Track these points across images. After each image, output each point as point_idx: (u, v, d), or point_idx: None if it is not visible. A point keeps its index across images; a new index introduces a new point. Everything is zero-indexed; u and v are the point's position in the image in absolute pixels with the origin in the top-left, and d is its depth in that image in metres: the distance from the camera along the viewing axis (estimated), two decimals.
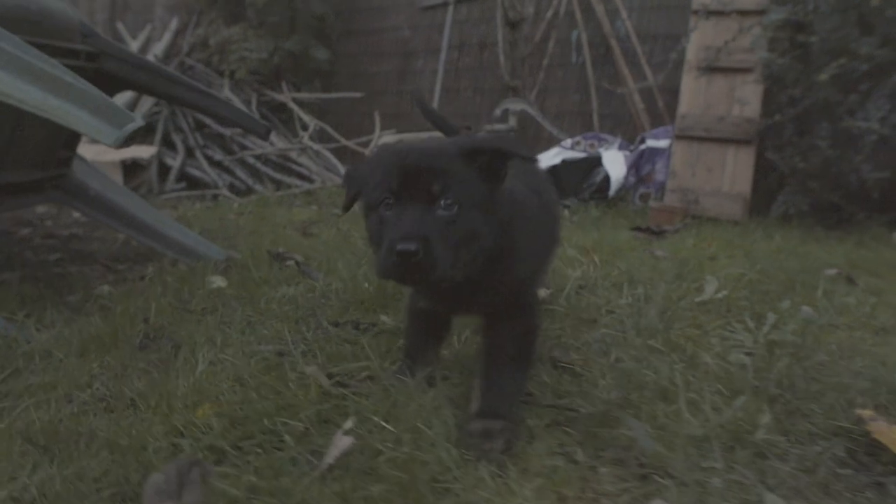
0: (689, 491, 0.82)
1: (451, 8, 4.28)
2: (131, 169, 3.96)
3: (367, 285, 1.83)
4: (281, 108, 4.42)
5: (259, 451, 0.97)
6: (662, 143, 3.36)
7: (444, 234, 1.04)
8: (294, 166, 4.11)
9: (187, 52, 4.51)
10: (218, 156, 4.24)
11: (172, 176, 4.12)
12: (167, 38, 4.69)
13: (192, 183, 4.18)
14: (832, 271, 1.97)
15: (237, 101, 4.30)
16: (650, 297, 1.62)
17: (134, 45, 4.75)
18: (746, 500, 0.81)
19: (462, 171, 1.09)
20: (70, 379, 1.23)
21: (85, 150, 3.90)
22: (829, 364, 1.21)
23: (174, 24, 4.74)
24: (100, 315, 1.59)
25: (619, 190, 3.39)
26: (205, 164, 4.18)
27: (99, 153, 3.92)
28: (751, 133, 3.01)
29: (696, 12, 3.25)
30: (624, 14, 3.92)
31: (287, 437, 1.00)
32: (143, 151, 4.01)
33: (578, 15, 4.02)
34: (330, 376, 1.26)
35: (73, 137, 2.19)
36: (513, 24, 3.92)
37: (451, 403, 1.12)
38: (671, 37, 3.63)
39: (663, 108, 3.80)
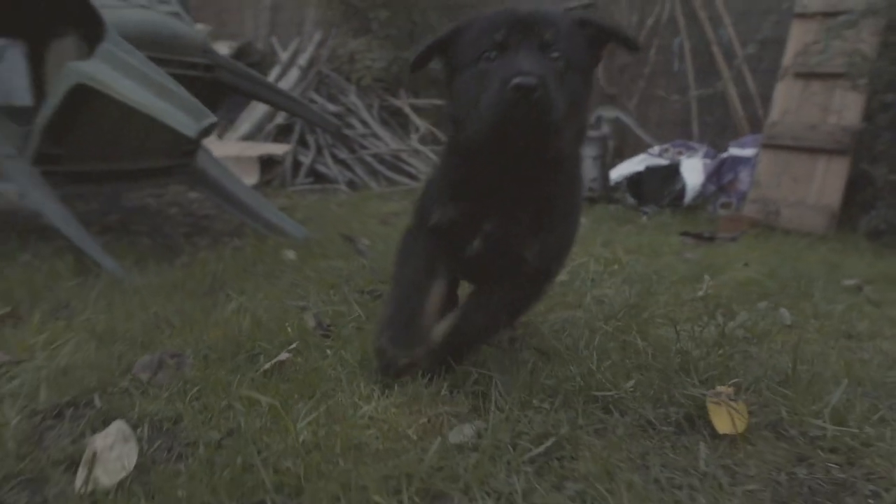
0: (508, 421, 1.00)
1: None
2: (267, 164, 4.68)
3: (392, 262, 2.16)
4: (399, 112, 4.91)
5: (234, 361, 1.32)
6: (747, 152, 3.24)
7: (555, 83, 1.01)
8: (405, 166, 4.57)
9: (325, 62, 5.19)
10: (342, 154, 4.84)
11: (303, 171, 4.78)
12: (311, 49, 5.42)
13: (319, 178, 4.81)
14: (851, 282, 1.89)
15: (362, 107, 4.87)
16: (641, 291, 1.73)
17: (284, 56, 5.55)
18: (547, 432, 0.96)
19: (572, 30, 1.10)
20: (143, 307, 1.70)
21: (231, 147, 4.71)
22: (749, 355, 1.27)
23: (317, 37, 5.46)
24: (185, 271, 2.09)
25: (696, 198, 3.33)
26: (330, 161, 4.79)
27: (242, 150, 4.70)
28: (845, 143, 2.83)
29: (799, 15, 3.11)
30: (727, 20, 3.81)
31: (261, 357, 1.35)
32: (277, 149, 4.72)
33: (681, 22, 3.98)
34: (322, 325, 1.59)
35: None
36: None
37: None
38: (776, 42, 3.48)
39: (763, 115, 3.65)
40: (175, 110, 1.90)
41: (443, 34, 1.16)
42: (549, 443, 0.89)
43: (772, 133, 3.10)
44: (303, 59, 5.33)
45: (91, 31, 2.26)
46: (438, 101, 4.97)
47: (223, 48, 6.17)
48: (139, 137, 2.43)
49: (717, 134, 3.84)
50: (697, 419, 1.01)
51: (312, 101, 5.10)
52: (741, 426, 0.94)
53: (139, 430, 0.96)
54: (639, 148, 3.99)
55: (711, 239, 2.56)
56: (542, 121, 1.00)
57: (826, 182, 2.94)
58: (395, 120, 4.94)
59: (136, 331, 1.44)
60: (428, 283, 1.21)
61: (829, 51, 2.88)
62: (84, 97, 2.03)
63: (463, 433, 0.94)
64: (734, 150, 3.35)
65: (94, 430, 0.94)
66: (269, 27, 6.16)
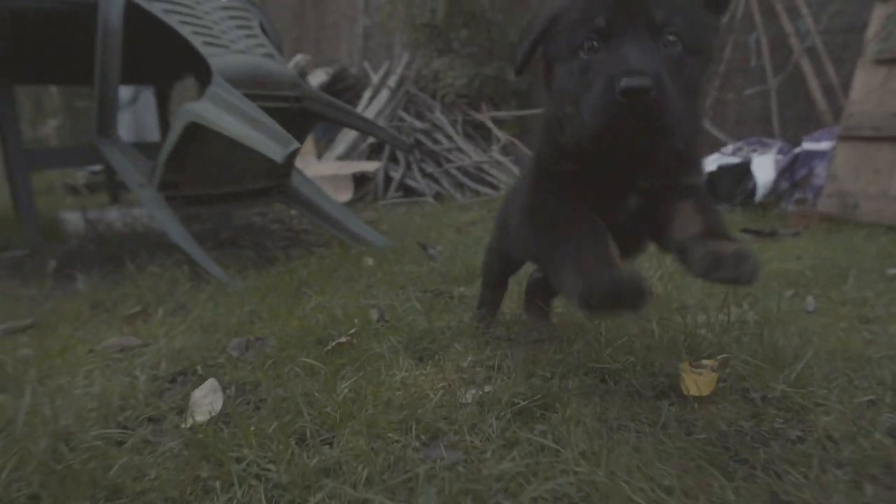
0: (510, 385, 1.22)
1: None
2: (360, 180, 5.13)
3: (458, 265, 2.42)
4: (482, 126, 5.19)
5: (306, 344, 1.63)
6: (823, 146, 3.17)
7: (672, 76, 0.88)
8: (487, 177, 4.83)
9: (411, 82, 5.59)
10: (430, 168, 5.19)
11: (393, 186, 5.18)
12: (399, 71, 5.85)
13: (408, 191, 5.18)
14: (894, 271, 1.89)
15: (447, 123, 5.21)
16: (679, 283, 1.86)
17: (375, 79, 6.02)
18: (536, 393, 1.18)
19: (683, 4, 0.95)
20: (241, 305, 2.07)
21: (328, 166, 5.19)
22: (756, 337, 1.39)
23: (405, 59, 5.88)
24: (278, 277, 2.47)
25: (768, 195, 3.29)
26: (418, 175, 5.16)
27: (338, 168, 5.18)
28: None
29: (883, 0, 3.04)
30: (804, 10, 3.72)
31: (329, 341, 1.65)
32: (369, 166, 5.15)
33: (757, 17, 3.94)
34: (384, 317, 1.88)
35: (292, 157, 3.20)
36: None
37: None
38: (860, 30, 3.38)
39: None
40: (266, 139, 2.29)
41: (540, 24, 1.03)
42: (535, 400, 1.11)
43: (849, 124, 3.02)
44: (392, 81, 5.76)
45: (203, 73, 2.73)
46: (519, 113, 5.20)
47: (321, 75, 6.78)
48: (242, 164, 2.87)
49: (799, 128, 3.76)
50: (680, 387, 1.18)
51: (402, 119, 5.51)
52: (706, 390, 1.10)
53: (227, 391, 1.29)
54: (715, 147, 3.98)
55: (772, 234, 2.57)
56: (656, 127, 0.87)
57: None
58: (479, 133, 5.22)
59: (232, 323, 1.80)
60: (599, 228, 1.01)
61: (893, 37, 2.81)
62: (196, 132, 2.47)
63: (470, 393, 1.18)
64: (808, 145, 3.29)
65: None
66: (361, 52, 6.69)
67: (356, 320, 1.77)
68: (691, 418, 1.05)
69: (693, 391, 1.10)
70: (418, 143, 5.29)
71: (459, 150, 5.01)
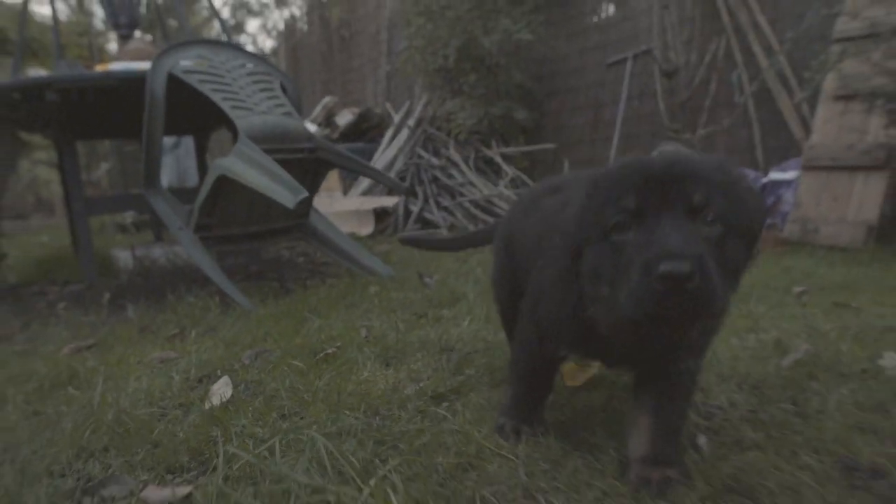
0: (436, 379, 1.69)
1: (629, 62, 5.01)
2: (381, 214, 5.68)
3: (446, 291, 2.91)
4: (493, 161, 5.71)
5: (303, 355, 2.13)
6: (789, 175, 3.53)
7: (714, 259, 0.86)
8: (495, 209, 5.33)
9: (429, 122, 6.16)
10: (445, 202, 5.72)
11: (412, 219, 5.72)
12: (418, 111, 6.43)
13: (426, 223, 5.71)
14: (800, 289, 2.28)
15: (460, 159, 5.74)
16: None
17: (396, 119, 6.62)
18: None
19: (729, 181, 0.93)
20: (260, 328, 2.59)
21: (352, 202, 5.76)
22: None
23: (424, 100, 6.47)
24: (292, 304, 2.99)
25: None
26: (434, 208, 5.68)
27: (361, 204, 5.75)
28: (882, 159, 3.09)
29: (837, 40, 3.42)
30: (777, 47, 4.13)
31: (320, 354, 2.14)
32: (389, 201, 5.71)
33: (738, 56, 4.35)
34: (369, 335, 2.36)
35: (309, 200, 3.76)
36: (668, 74, 4.50)
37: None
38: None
39: None
40: (281, 189, 2.83)
41: (575, 213, 1.01)
42: (450, 389, 1.58)
43: (810, 155, 3.39)
44: (411, 121, 6.34)
45: (233, 128, 3.32)
46: (526, 148, 5.70)
47: (347, 115, 7.44)
48: (265, 207, 3.43)
49: (782, 158, 4.12)
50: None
51: (420, 156, 6.07)
52: (579, 381, 1.55)
53: (238, 386, 1.80)
54: None
55: None
56: (699, 314, 0.85)
57: (864, 198, 3.18)
58: (490, 168, 5.74)
59: (249, 340, 2.33)
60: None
61: (842, 71, 3.17)
62: (225, 183, 3.04)
63: (411, 387, 1.66)
64: (774, 175, 3.65)
65: None
66: (385, 94, 7.33)
67: (346, 337, 2.27)
68: (562, 399, 1.50)
69: (568, 381, 1.55)
70: (434, 179, 5.83)
71: (471, 184, 5.52)
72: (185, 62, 3.30)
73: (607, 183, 0.95)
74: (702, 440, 1.26)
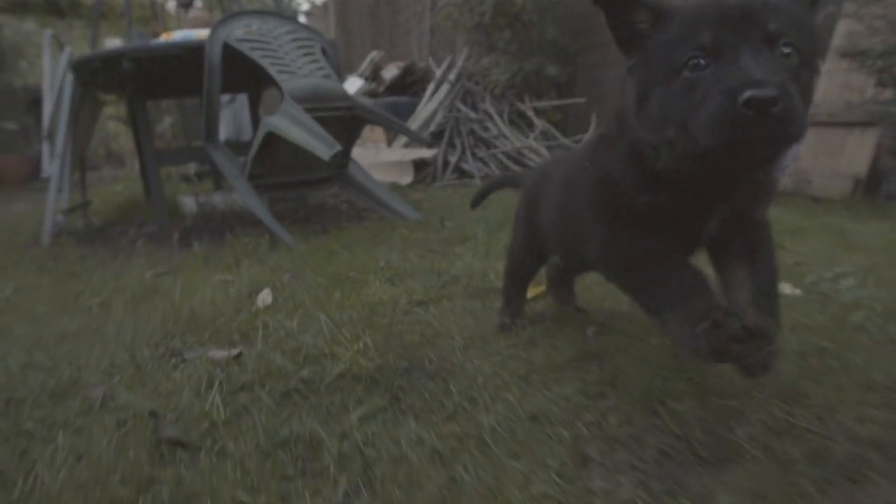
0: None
1: None
2: (420, 165, 6.25)
3: (460, 232, 3.48)
4: (525, 115, 6.17)
5: (332, 278, 2.76)
6: None
7: (793, 81, 0.88)
8: (525, 160, 5.81)
9: (467, 77, 6.64)
10: (481, 153, 6.24)
11: (449, 169, 6.26)
12: (459, 65, 6.90)
13: (462, 174, 6.25)
14: None
15: (494, 113, 6.22)
16: None
17: (438, 73, 7.11)
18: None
19: (800, 11, 0.97)
20: (299, 259, 3.23)
21: (394, 153, 6.35)
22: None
23: (464, 54, 6.92)
24: (329, 241, 3.63)
25: None
26: (470, 159, 6.21)
27: (402, 155, 6.33)
28: (875, 115, 3.41)
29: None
30: None
31: (347, 278, 2.77)
32: (427, 153, 6.26)
33: None
34: (387, 264, 2.97)
35: (347, 152, 4.36)
36: None
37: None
38: None
39: None
40: (318, 143, 3.44)
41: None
42: (429, 296, 2.18)
43: (812, 112, 3.69)
44: (452, 75, 6.82)
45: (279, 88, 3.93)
46: (557, 102, 6.11)
47: (393, 69, 7.96)
48: (308, 159, 4.05)
49: None
50: None
51: (458, 109, 6.57)
52: (534, 293, 2.11)
53: (277, 296, 2.44)
54: None
55: None
56: (784, 140, 0.88)
57: (856, 152, 3.50)
58: (523, 121, 6.19)
59: (289, 267, 2.98)
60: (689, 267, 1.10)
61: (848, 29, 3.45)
62: (273, 138, 3.67)
63: (405, 299, 2.26)
64: None
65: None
66: (428, 48, 7.80)
67: (367, 266, 2.89)
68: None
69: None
70: (471, 132, 6.34)
71: (504, 136, 6.01)
72: (237, 32, 3.90)
73: (683, 18, 0.96)
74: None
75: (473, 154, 6.20)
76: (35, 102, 10.36)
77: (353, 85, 7.99)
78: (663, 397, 1.27)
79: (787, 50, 0.92)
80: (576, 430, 1.22)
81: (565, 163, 1.52)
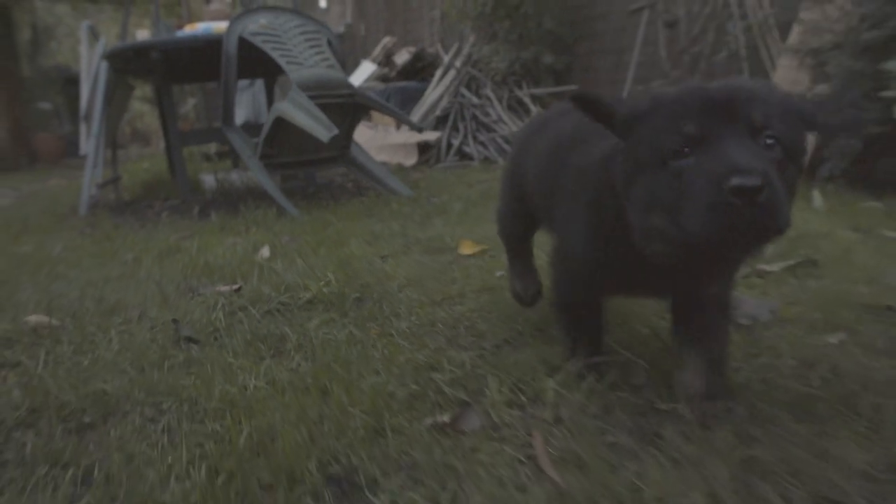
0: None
1: (646, 10, 5.81)
2: (423, 147, 6.88)
3: (442, 206, 4.12)
4: (522, 101, 6.76)
5: (324, 241, 3.41)
6: None
7: (777, 172, 0.92)
8: None
9: (472, 64, 7.23)
10: (482, 137, 6.85)
11: (452, 151, 6.88)
12: (465, 52, 7.49)
13: (464, 156, 6.86)
14: None
15: (494, 97, 6.82)
16: None
17: (446, 59, 7.71)
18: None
19: (782, 105, 1.01)
20: (299, 227, 3.90)
21: (400, 136, 6.98)
22: None
23: (471, 41, 7.51)
24: (328, 214, 4.29)
25: None
26: (472, 142, 6.83)
27: (407, 138, 6.97)
28: None
29: None
30: (767, 2, 4.85)
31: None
32: (431, 136, 6.89)
33: (735, 6, 5.10)
34: (373, 234, 3.62)
35: (349, 134, 5.01)
36: (669, 24, 5.33)
37: None
38: None
39: None
40: (318, 126, 4.10)
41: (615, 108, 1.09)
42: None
43: None
44: (458, 62, 7.42)
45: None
46: (553, 90, 6.68)
47: (405, 54, 8.58)
48: (314, 141, 4.72)
49: None
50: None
51: (462, 95, 7.17)
52: (467, 251, 2.74)
53: (275, 251, 3.12)
54: None
55: None
56: (768, 230, 0.92)
57: None
58: (522, 107, 6.78)
59: (289, 232, 3.65)
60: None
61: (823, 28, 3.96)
62: (282, 122, 4.34)
63: (373, 254, 2.92)
64: None
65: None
66: (439, 35, 8.40)
67: (355, 233, 3.55)
68: (455, 261, 2.71)
69: (461, 250, 2.75)
70: (474, 116, 6.96)
71: (503, 120, 6.61)
72: (252, 26, 4.57)
73: (667, 108, 1.01)
74: None
75: (475, 138, 6.81)
76: (67, 82, 11.26)
77: (366, 69, 8.63)
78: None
79: (770, 142, 0.96)
80: (456, 331, 1.86)
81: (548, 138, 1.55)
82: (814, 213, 3.01)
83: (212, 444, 1.29)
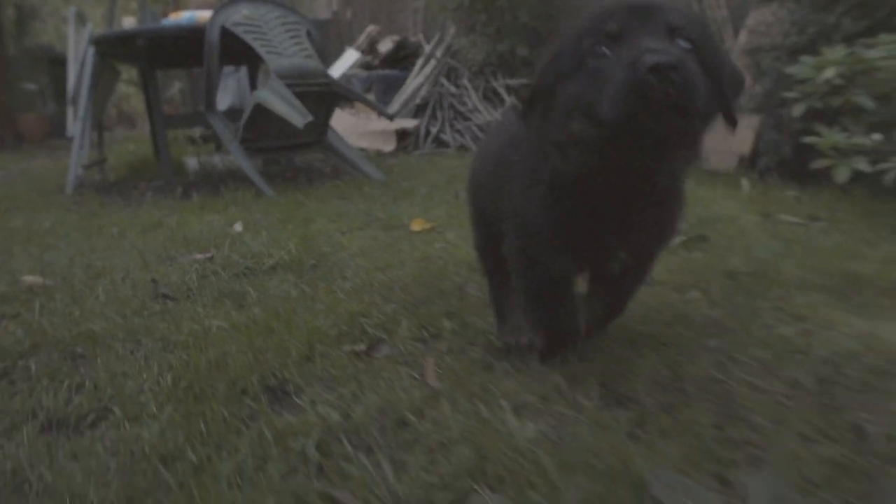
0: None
1: None
2: (402, 135, 7.26)
3: (409, 190, 4.51)
4: (497, 91, 7.14)
5: (293, 219, 3.80)
6: None
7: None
8: None
9: (451, 55, 7.60)
10: (458, 125, 7.23)
11: (430, 139, 7.26)
12: (446, 42, 7.85)
13: (441, 143, 7.24)
14: None
15: (470, 87, 7.20)
16: None
17: (427, 49, 8.07)
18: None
19: (699, 21, 1.10)
20: (273, 206, 4.28)
21: (379, 123, 7.36)
22: None
23: (452, 32, 7.88)
24: (303, 195, 4.67)
25: None
26: (448, 130, 7.20)
27: (385, 126, 7.35)
28: (759, 103, 4.29)
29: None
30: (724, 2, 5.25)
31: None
32: (409, 123, 7.26)
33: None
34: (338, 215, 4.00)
35: (326, 121, 5.38)
36: None
37: None
38: None
39: None
40: (294, 113, 4.47)
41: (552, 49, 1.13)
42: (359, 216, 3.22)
43: None
44: (439, 52, 7.79)
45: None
46: (521, 80, 7.07)
47: (388, 43, 8.93)
48: (292, 127, 5.08)
49: None
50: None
51: (442, 84, 7.54)
52: (418, 227, 3.13)
53: (247, 227, 3.50)
54: None
55: None
56: (685, 108, 0.94)
57: (744, 134, 4.40)
58: (497, 97, 7.16)
59: (262, 211, 4.03)
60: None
61: (771, 30, 4.35)
62: (261, 108, 4.70)
63: (335, 230, 3.31)
64: None
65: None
66: (421, 24, 8.76)
67: (323, 212, 3.93)
68: (405, 236, 3.11)
69: (413, 226, 3.14)
70: (451, 105, 7.33)
71: (478, 110, 6.99)
72: (234, 17, 4.93)
73: (589, 15, 1.05)
74: None
75: (452, 126, 7.19)
76: (52, 62, 11.55)
77: (350, 57, 8.98)
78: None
79: (686, 45, 1.01)
80: (390, 290, 2.25)
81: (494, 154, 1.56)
82: (735, 199, 3.40)
83: (178, 364, 1.68)
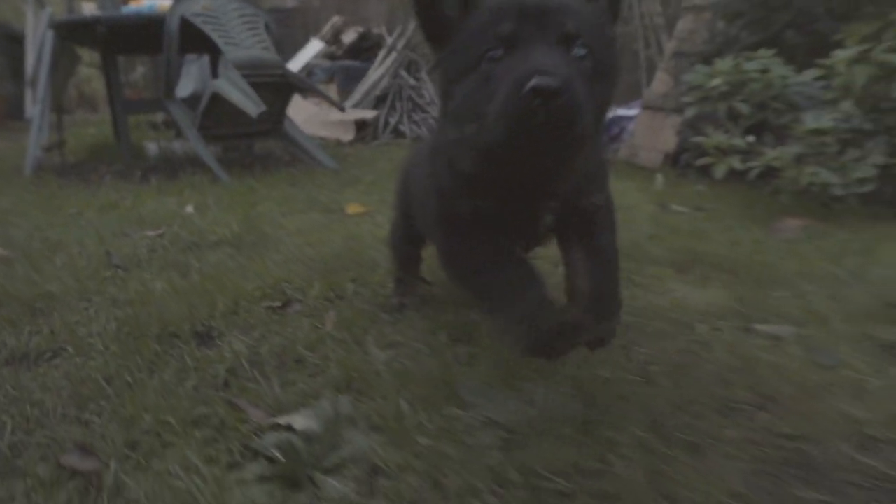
0: None
1: None
2: (360, 125, 7.64)
3: (358, 178, 4.90)
4: None
5: (240, 202, 4.18)
6: (632, 112, 5.26)
7: (584, 82, 0.98)
8: None
9: (412, 49, 7.99)
10: (417, 117, 7.62)
11: (388, 129, 7.64)
12: (407, 35, 8.23)
13: (399, 134, 7.63)
14: None
15: (430, 82, 7.60)
16: None
17: (389, 41, 8.45)
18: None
19: (599, 20, 1.09)
20: (227, 191, 4.65)
21: (337, 113, 7.71)
22: None
23: (412, 26, 8.25)
24: (257, 182, 5.03)
25: None
26: (406, 121, 7.60)
27: (344, 116, 7.71)
28: (678, 104, 4.76)
29: (686, 8, 5.04)
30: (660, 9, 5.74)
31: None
32: (368, 114, 7.63)
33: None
34: (289, 195, 4.38)
35: (282, 111, 5.74)
36: None
37: None
38: None
39: None
40: (248, 102, 4.83)
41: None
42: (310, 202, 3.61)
43: (646, 98, 5.07)
44: (400, 44, 8.17)
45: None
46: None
47: (352, 34, 9.29)
48: (248, 115, 5.44)
49: (629, 99, 5.79)
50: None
51: (401, 76, 7.93)
52: (353, 211, 3.53)
53: (199, 209, 3.87)
54: None
55: None
56: (567, 134, 0.96)
57: (668, 133, 4.86)
58: None
59: (216, 195, 4.40)
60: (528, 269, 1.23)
61: (694, 37, 4.81)
62: (218, 97, 5.05)
63: (282, 212, 3.70)
64: (620, 111, 5.37)
65: None
66: (385, 16, 9.13)
67: (274, 197, 4.31)
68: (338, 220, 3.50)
69: (348, 210, 3.54)
70: (409, 98, 7.73)
71: (435, 103, 7.39)
72: (194, 7, 5.27)
73: (484, 13, 1.06)
74: None
75: (409, 117, 7.59)
76: (9, 39, 11.65)
77: (314, 47, 9.32)
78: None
79: (582, 52, 1.02)
80: (314, 262, 2.65)
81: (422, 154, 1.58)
82: (645, 192, 3.85)
83: (123, 316, 2.06)
